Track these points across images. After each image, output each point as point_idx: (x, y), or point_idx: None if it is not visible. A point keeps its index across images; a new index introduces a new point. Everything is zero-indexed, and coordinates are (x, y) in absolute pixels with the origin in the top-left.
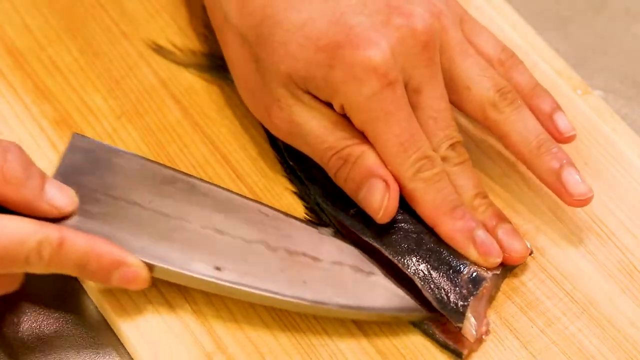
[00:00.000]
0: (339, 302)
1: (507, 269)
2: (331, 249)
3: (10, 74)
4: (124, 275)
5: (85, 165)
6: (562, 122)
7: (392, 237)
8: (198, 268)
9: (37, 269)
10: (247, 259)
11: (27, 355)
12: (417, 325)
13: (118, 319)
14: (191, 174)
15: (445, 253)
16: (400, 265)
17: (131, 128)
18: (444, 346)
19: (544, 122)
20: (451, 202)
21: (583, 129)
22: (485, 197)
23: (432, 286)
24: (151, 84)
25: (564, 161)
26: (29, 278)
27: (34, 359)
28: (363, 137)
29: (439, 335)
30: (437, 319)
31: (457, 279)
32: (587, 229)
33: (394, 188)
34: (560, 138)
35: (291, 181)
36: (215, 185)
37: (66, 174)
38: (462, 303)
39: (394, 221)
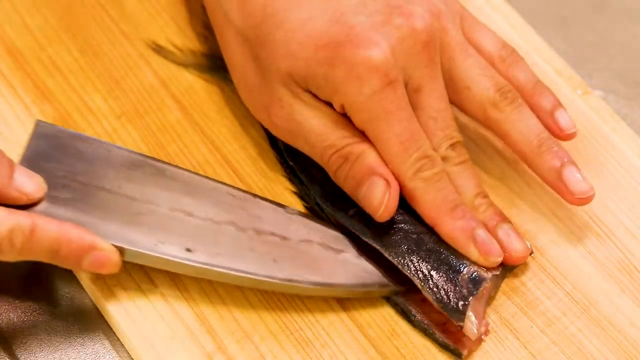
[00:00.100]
0: (310, 279)
1: (507, 269)
2: (299, 228)
3: (10, 74)
4: (95, 259)
5: (51, 152)
6: (563, 119)
7: (392, 238)
8: (169, 250)
9: (9, 256)
10: (217, 240)
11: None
12: (417, 325)
13: (118, 320)
14: None
15: (445, 253)
16: (400, 265)
17: (131, 128)
18: (443, 346)
19: (545, 120)
20: (451, 201)
21: (583, 129)
22: (486, 196)
23: (432, 286)
24: (151, 84)
25: (565, 160)
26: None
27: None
28: (364, 136)
29: (439, 335)
30: (408, 293)
31: (457, 279)
32: (587, 229)
33: (395, 186)
34: (562, 135)
35: (291, 181)
36: (183, 168)
37: (32, 161)
38: (462, 302)
39: (393, 222)
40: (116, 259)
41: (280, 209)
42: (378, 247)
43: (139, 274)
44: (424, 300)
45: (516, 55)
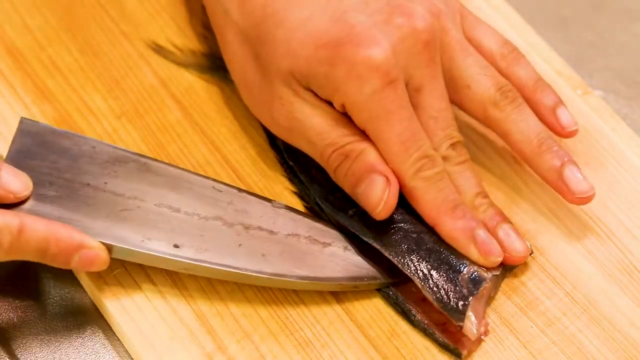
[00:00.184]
0: (299, 273)
1: (507, 269)
2: (286, 222)
3: (10, 74)
4: (84, 257)
5: (36, 150)
6: (564, 116)
7: (392, 238)
8: (156, 246)
9: None
10: (204, 235)
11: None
12: (417, 325)
13: (119, 320)
14: None
15: (445, 253)
16: (400, 265)
17: (131, 128)
18: (443, 346)
19: (546, 117)
20: (452, 201)
21: (583, 129)
22: (486, 197)
23: (432, 286)
24: (151, 84)
25: (566, 159)
26: None
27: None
28: (364, 135)
29: (438, 335)
30: (396, 285)
31: (457, 279)
32: (587, 229)
33: (394, 184)
34: (563, 132)
35: (291, 181)
36: (168, 163)
37: (17, 159)
38: (462, 302)
39: (393, 221)
40: (105, 257)
41: (266, 203)
42: (378, 247)
43: (138, 273)
44: (424, 299)
45: (517, 52)
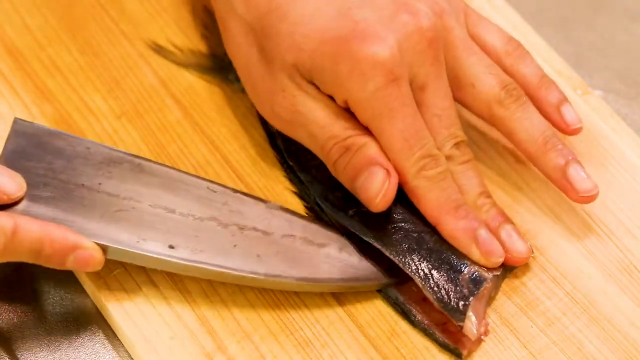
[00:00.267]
0: (294, 274)
1: (507, 269)
2: (281, 223)
3: (10, 74)
4: (79, 258)
5: (30, 150)
6: (569, 113)
7: (393, 237)
8: (151, 247)
9: None
10: (199, 236)
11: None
12: (417, 325)
13: (119, 320)
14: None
15: (445, 253)
16: (400, 264)
17: (131, 128)
18: (443, 346)
19: (550, 114)
20: (454, 201)
21: (583, 129)
22: (489, 197)
23: (432, 285)
24: (151, 84)
25: (570, 158)
26: None
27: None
28: (366, 129)
29: (439, 335)
30: (397, 285)
31: (458, 279)
32: (587, 229)
33: (394, 177)
34: (568, 130)
35: (291, 181)
36: (162, 164)
37: (11, 160)
38: (463, 302)
39: (394, 221)
40: (99, 257)
41: (261, 204)
42: (379, 247)
43: (139, 274)
44: (424, 299)
45: (522, 49)
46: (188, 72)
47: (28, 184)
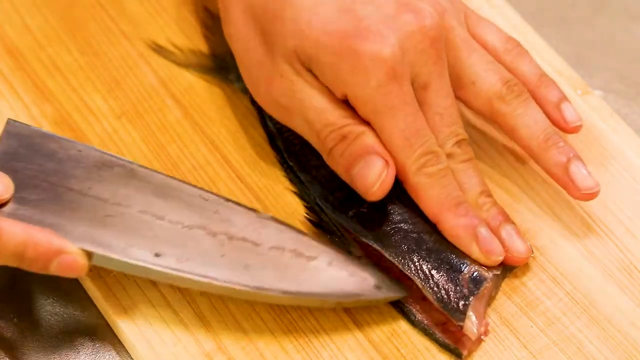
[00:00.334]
0: (281, 287)
1: (507, 269)
2: (271, 234)
3: (10, 74)
4: (63, 263)
5: (22, 152)
6: (569, 112)
7: (392, 238)
8: (137, 254)
9: None
10: (187, 244)
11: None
12: (417, 325)
13: (118, 320)
14: (191, 174)
15: (445, 253)
16: (400, 265)
17: (131, 128)
18: (443, 346)
19: (550, 112)
20: (455, 198)
21: (583, 129)
22: (490, 196)
23: (432, 285)
24: (151, 84)
25: (571, 155)
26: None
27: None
28: (364, 120)
29: (439, 335)
30: (383, 302)
31: (458, 279)
32: (587, 229)
33: (393, 167)
34: (567, 128)
35: (291, 181)
36: (154, 170)
37: (2, 161)
38: (463, 302)
39: (393, 222)
40: (83, 263)
41: (252, 213)
42: (378, 248)
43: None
44: (424, 299)
45: (521, 48)
46: (188, 72)
47: (17, 186)
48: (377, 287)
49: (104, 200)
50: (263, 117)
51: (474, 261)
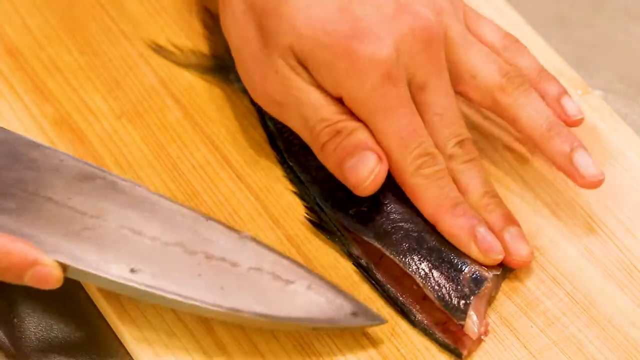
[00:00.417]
0: (256, 310)
1: (507, 269)
2: (250, 255)
3: (10, 74)
4: (37, 275)
5: (2, 158)
6: (569, 105)
7: (393, 237)
8: (113, 270)
9: None
10: (163, 262)
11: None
12: (417, 325)
13: (118, 319)
14: (191, 174)
15: (446, 252)
16: (401, 264)
17: (131, 128)
18: (444, 346)
19: (551, 106)
20: (452, 199)
21: (583, 129)
22: (494, 196)
23: (433, 284)
24: (151, 84)
25: (575, 144)
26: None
27: None
28: (357, 117)
29: (439, 335)
30: (360, 328)
31: (459, 278)
32: (587, 229)
33: (386, 163)
34: (569, 121)
35: (291, 181)
36: (136, 183)
37: None
38: (464, 301)
39: (394, 220)
40: (58, 275)
41: (233, 234)
42: (379, 246)
43: None
44: (425, 298)
45: (519, 44)
46: (188, 72)
47: None
48: (354, 314)
49: (83, 212)
50: (263, 117)
51: (475, 261)
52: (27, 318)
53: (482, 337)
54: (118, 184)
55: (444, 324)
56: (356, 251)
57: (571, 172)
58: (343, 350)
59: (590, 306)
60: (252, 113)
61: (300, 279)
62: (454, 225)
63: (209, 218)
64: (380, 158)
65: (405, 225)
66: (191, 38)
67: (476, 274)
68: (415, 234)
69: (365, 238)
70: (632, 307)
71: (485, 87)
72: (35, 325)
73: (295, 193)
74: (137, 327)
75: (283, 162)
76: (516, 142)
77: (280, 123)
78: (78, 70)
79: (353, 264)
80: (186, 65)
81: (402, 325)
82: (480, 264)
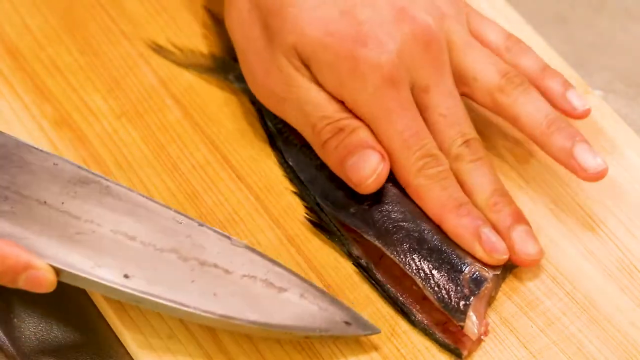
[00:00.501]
0: (249, 317)
1: (508, 269)
2: (244, 262)
3: (10, 74)
4: (30, 278)
5: None
6: (575, 98)
7: (394, 237)
8: (106, 275)
9: None
10: (157, 267)
11: None
12: (417, 325)
13: (118, 320)
14: (191, 174)
15: (446, 252)
16: (401, 264)
17: (131, 128)
18: (444, 346)
19: (557, 102)
20: (456, 199)
21: (583, 129)
22: (504, 194)
23: (433, 285)
24: (151, 84)
25: (576, 138)
26: None
27: None
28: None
29: (439, 335)
30: (353, 337)
31: (459, 279)
32: (587, 229)
33: (388, 162)
34: (575, 114)
35: (291, 181)
36: (130, 189)
37: None
38: (464, 302)
39: (395, 220)
40: (52, 279)
41: (225, 240)
42: (379, 245)
43: None
44: (425, 298)
45: (522, 44)
46: (188, 72)
47: None
48: (347, 323)
49: (76, 217)
50: (263, 117)
51: (475, 261)
52: (27, 319)
53: (482, 337)
54: (112, 189)
55: (444, 324)
56: (356, 251)
57: (573, 166)
58: (343, 350)
59: (590, 306)
60: (252, 113)
61: (293, 286)
62: (458, 225)
63: (202, 224)
64: (382, 157)
65: (406, 225)
66: (191, 38)
67: (476, 275)
68: (416, 234)
69: (366, 236)
70: (632, 307)
71: (486, 89)
72: (35, 326)
73: (295, 193)
74: (137, 329)
75: (283, 162)
76: (516, 142)
77: (280, 123)
78: (78, 70)
79: (353, 264)
80: (186, 65)
81: (402, 325)
82: (480, 264)
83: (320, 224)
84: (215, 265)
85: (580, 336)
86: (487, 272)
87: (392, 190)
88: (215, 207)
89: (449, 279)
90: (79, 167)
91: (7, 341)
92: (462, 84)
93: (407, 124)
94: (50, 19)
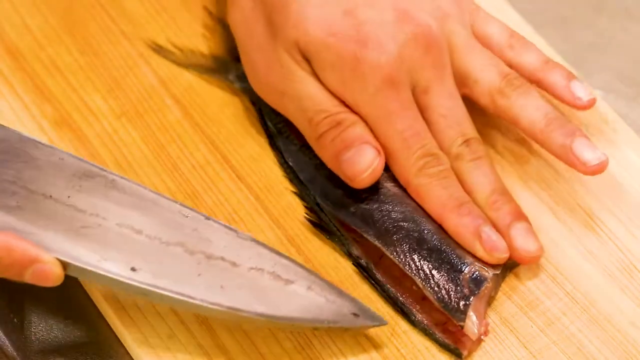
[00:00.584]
0: (257, 309)
1: (507, 268)
2: (251, 255)
3: (10, 74)
4: (38, 272)
5: (1, 156)
6: (578, 89)
7: (394, 237)
8: (112, 268)
9: None
10: (163, 261)
11: None
12: (417, 325)
13: (118, 319)
14: (191, 174)
15: (446, 252)
16: (401, 264)
17: (131, 128)
18: (444, 346)
19: (561, 94)
20: (457, 199)
21: (583, 129)
22: (504, 193)
23: (433, 285)
24: (151, 84)
25: (575, 133)
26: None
27: None
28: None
29: (439, 335)
30: (359, 330)
31: (459, 279)
32: (587, 229)
33: (383, 157)
34: (580, 105)
35: (291, 181)
36: (136, 183)
37: None
38: (463, 302)
39: (395, 220)
40: (59, 273)
41: (232, 233)
42: (379, 245)
43: None
44: (424, 298)
45: (525, 41)
46: (188, 72)
47: None
48: (355, 315)
49: (82, 211)
50: (263, 117)
51: (475, 261)
52: (28, 319)
53: (482, 337)
54: (118, 182)
55: (444, 324)
56: (356, 251)
57: (573, 162)
58: (343, 350)
59: (590, 306)
60: (252, 113)
61: (300, 279)
62: (458, 224)
63: (208, 217)
64: (378, 152)
65: (406, 225)
66: (191, 38)
67: (476, 274)
68: (416, 234)
69: (366, 236)
70: (632, 307)
71: (485, 91)
72: (36, 326)
73: (295, 193)
74: (137, 328)
75: (283, 162)
76: (516, 141)
77: (280, 123)
78: (78, 70)
79: (353, 264)
80: (186, 65)
81: (402, 325)
82: (480, 264)
83: (320, 223)
84: (222, 259)
85: (580, 336)
86: (487, 271)
87: (392, 190)
88: (215, 207)
89: (448, 278)
90: (84, 161)
91: (7, 341)
92: (463, 85)
93: (407, 124)
94: (50, 19)
